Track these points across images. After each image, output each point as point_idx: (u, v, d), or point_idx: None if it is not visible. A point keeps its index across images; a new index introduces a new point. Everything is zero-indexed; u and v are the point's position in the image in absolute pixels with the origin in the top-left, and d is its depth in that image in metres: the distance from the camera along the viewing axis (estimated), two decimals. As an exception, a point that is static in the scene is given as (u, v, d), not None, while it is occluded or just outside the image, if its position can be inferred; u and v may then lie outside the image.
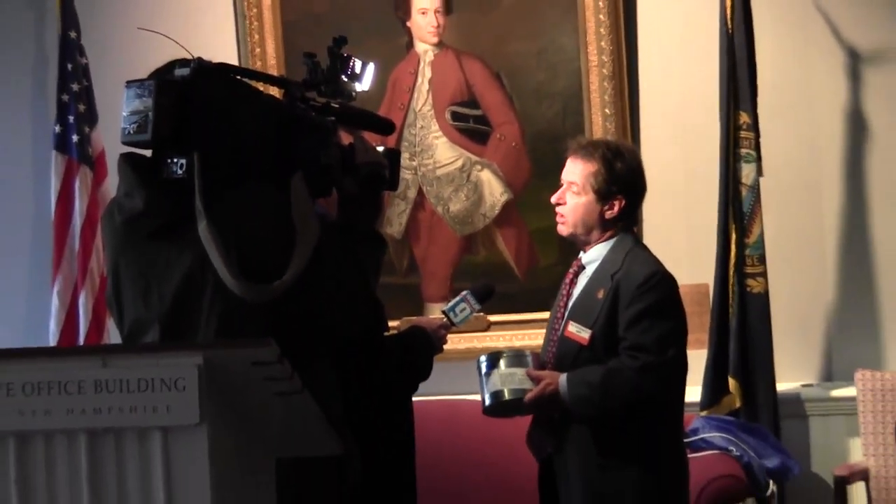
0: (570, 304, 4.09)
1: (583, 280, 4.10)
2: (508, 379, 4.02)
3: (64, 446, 2.57)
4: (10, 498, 2.58)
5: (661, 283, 4.01)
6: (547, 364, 4.08)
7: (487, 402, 4.06)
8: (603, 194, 4.04)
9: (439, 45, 5.90)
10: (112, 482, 2.56)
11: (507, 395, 4.02)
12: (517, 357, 4.06)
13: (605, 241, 4.08)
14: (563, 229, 4.12)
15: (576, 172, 4.08)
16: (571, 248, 4.31)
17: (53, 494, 2.58)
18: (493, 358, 4.06)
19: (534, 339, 5.15)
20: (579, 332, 4.02)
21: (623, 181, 4.05)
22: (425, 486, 3.70)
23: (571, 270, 4.17)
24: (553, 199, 4.13)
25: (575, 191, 4.07)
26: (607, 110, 5.68)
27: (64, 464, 2.57)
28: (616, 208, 4.06)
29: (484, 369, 4.06)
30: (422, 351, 3.69)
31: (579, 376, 3.95)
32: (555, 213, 4.13)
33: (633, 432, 3.97)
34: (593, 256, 4.09)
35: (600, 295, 4.00)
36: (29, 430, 2.56)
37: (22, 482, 2.58)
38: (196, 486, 2.53)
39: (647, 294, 3.96)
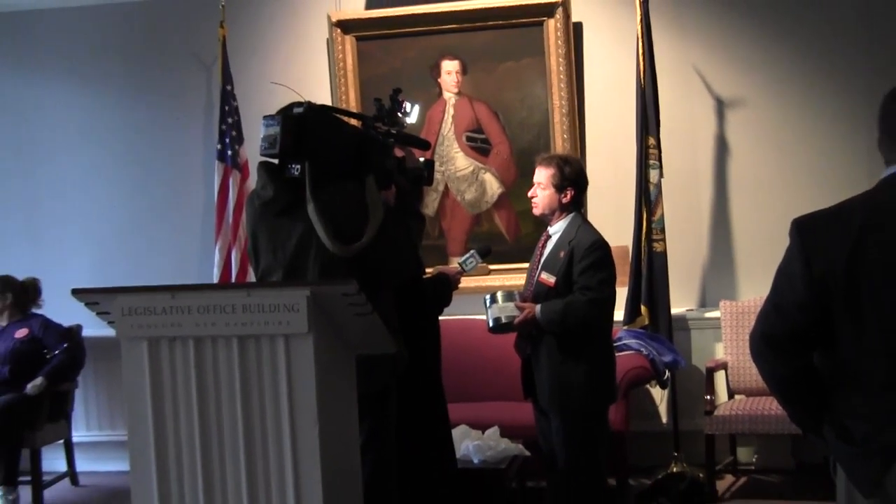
0: (542, 260, 4.07)
1: (550, 245, 4.08)
2: (504, 309, 4.00)
3: (223, 346, 2.58)
4: (191, 378, 2.60)
5: (601, 247, 3.98)
6: (527, 298, 4.07)
7: (491, 324, 4.05)
8: (559, 188, 4.03)
9: (459, 94, 5.86)
10: (254, 369, 2.57)
11: (503, 320, 4.00)
12: (508, 295, 4.04)
13: (563, 219, 4.06)
14: (536, 210, 4.12)
15: (541, 175, 4.07)
16: (541, 223, 4.29)
17: (217, 376, 2.59)
18: (493, 296, 4.05)
19: (518, 280, 5.11)
20: (548, 278, 4.00)
21: (571, 179, 4.04)
22: (448, 373, 3.72)
23: (543, 238, 4.15)
24: (529, 194, 4.14)
25: (542, 187, 4.06)
26: (565, 136, 5.64)
27: (224, 357, 2.58)
28: (568, 196, 4.04)
29: (487, 304, 4.06)
30: (445, 288, 3.69)
31: (549, 306, 3.94)
32: (530, 202, 4.14)
33: (582, 340, 3.96)
34: (557, 229, 4.07)
35: (562, 255, 3.98)
36: (201, 335, 2.57)
37: (197, 368, 2.59)
38: (306, 371, 2.54)
39: (592, 253, 3.94)
